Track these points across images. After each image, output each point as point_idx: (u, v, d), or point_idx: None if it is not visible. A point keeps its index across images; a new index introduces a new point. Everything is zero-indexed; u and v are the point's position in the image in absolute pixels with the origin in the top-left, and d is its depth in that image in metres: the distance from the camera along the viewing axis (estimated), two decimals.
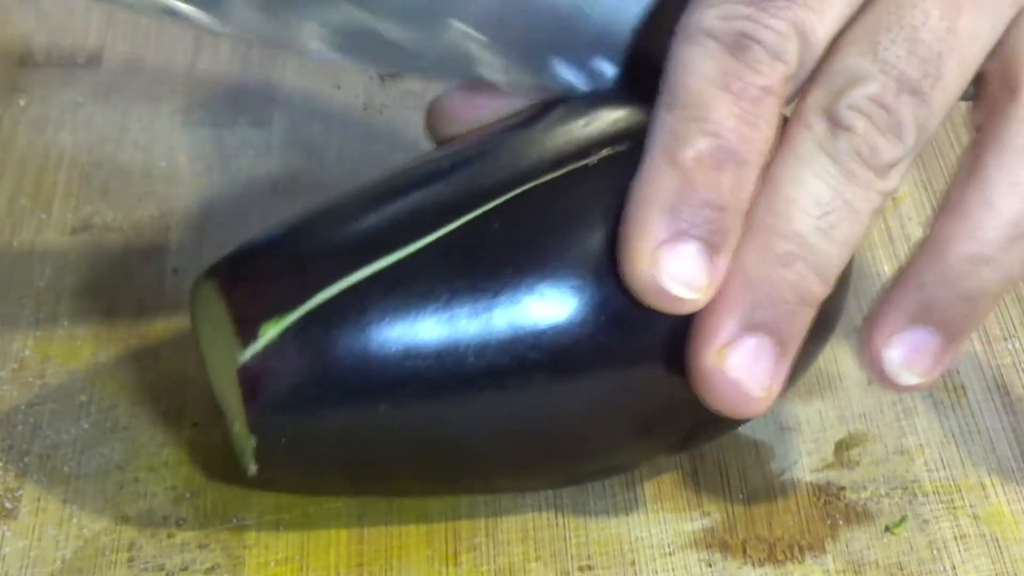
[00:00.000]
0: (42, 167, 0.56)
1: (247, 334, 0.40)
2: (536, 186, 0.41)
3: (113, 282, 0.52)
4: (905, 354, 0.41)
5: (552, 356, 0.40)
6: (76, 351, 0.50)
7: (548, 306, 0.40)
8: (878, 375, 0.42)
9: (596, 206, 0.40)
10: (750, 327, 0.39)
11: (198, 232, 0.53)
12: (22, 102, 0.59)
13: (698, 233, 0.39)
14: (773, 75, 0.39)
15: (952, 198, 0.41)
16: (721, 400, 0.40)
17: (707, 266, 0.39)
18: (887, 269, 0.53)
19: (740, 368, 0.39)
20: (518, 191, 0.40)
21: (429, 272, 0.40)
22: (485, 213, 0.40)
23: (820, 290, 0.40)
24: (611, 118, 0.42)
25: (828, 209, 0.39)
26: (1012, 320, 0.51)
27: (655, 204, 0.39)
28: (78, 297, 0.51)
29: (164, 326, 0.50)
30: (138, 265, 0.52)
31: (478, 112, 0.44)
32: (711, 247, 0.39)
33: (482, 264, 0.40)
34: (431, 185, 0.42)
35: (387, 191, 0.42)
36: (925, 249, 0.41)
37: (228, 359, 0.41)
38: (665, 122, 0.39)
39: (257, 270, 0.41)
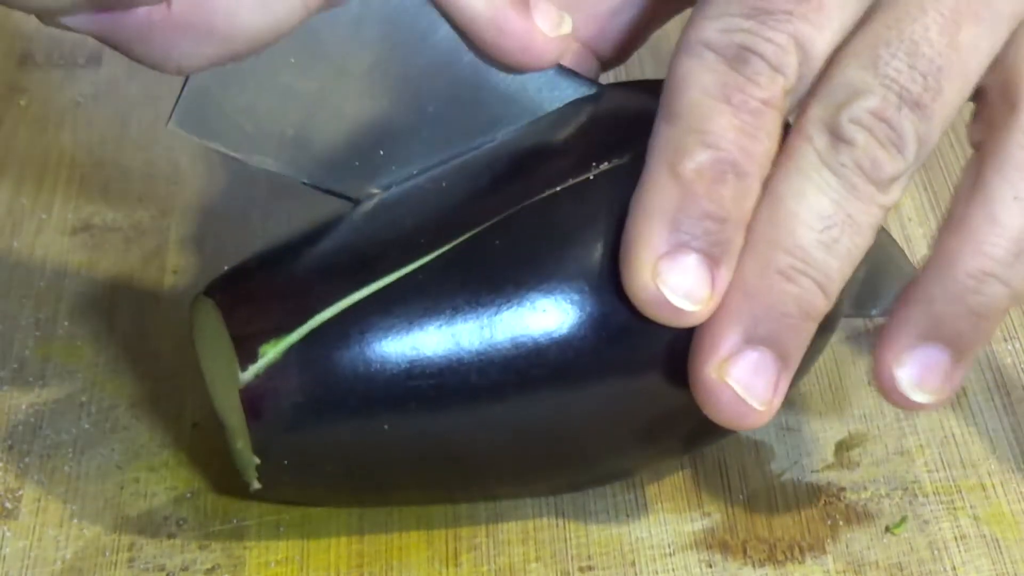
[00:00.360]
0: (42, 167, 0.56)
1: (247, 355, 0.40)
2: (536, 202, 0.40)
3: (113, 282, 0.52)
4: (916, 372, 0.41)
5: (554, 371, 0.40)
6: (76, 351, 0.49)
7: (550, 321, 0.40)
8: (890, 394, 0.41)
9: (596, 220, 0.40)
10: (752, 341, 0.39)
11: (198, 232, 0.53)
12: (22, 102, 0.59)
13: (699, 245, 0.39)
14: (773, 88, 0.39)
15: (956, 214, 0.41)
16: (722, 412, 0.40)
17: (708, 278, 0.39)
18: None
19: (741, 382, 0.39)
20: (518, 207, 0.40)
21: (431, 290, 0.40)
22: (485, 230, 0.40)
23: (823, 304, 0.40)
24: (609, 129, 0.42)
25: (830, 223, 0.39)
26: (1012, 321, 0.51)
27: (656, 216, 0.39)
28: (78, 297, 0.51)
29: (164, 326, 0.50)
30: (138, 265, 0.52)
31: None
32: (712, 259, 0.39)
33: (484, 281, 0.40)
34: (431, 202, 0.42)
35: (387, 208, 0.42)
36: (931, 266, 0.41)
37: (229, 377, 0.40)
38: (665, 134, 0.39)
39: (257, 289, 0.41)
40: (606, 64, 0.46)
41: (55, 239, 0.53)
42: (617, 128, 0.42)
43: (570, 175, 0.41)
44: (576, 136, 0.42)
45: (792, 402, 0.48)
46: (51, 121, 0.58)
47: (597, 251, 0.40)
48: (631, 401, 0.41)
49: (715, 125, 0.39)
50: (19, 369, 0.49)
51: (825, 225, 0.39)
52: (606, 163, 0.41)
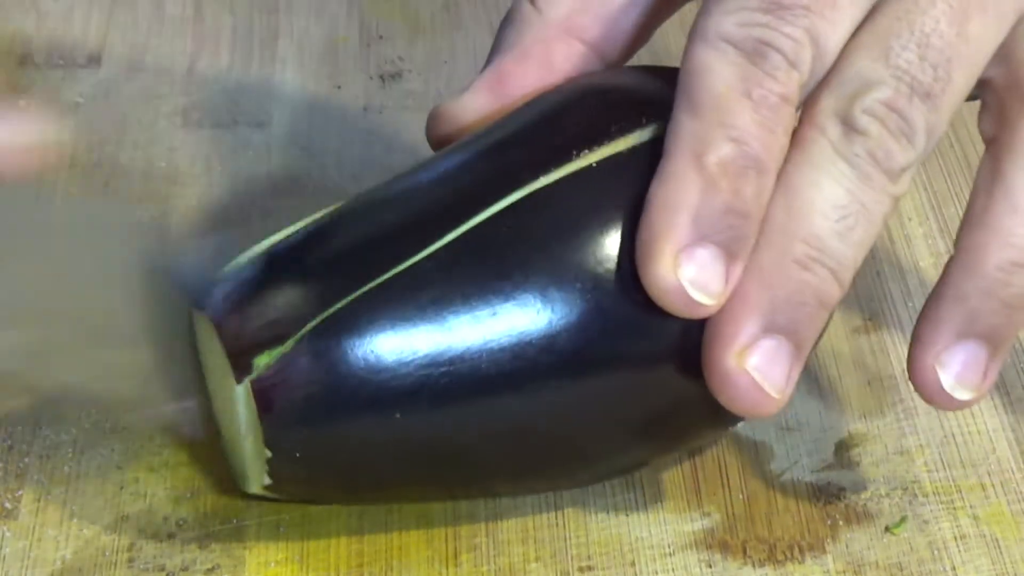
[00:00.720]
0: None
1: (242, 368, 0.40)
2: (541, 188, 0.40)
3: None
4: (957, 370, 0.41)
5: (564, 359, 0.40)
6: None
7: (559, 310, 0.40)
8: (933, 396, 0.42)
9: (602, 208, 0.40)
10: (770, 329, 0.39)
11: (198, 232, 0.53)
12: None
13: (719, 239, 0.39)
14: (790, 83, 0.39)
15: (977, 209, 0.41)
16: (738, 400, 0.40)
17: (724, 273, 0.39)
18: (887, 269, 0.53)
19: (759, 369, 0.39)
20: (523, 193, 0.40)
21: (439, 279, 0.40)
22: (492, 217, 0.40)
23: (838, 293, 0.40)
24: (610, 117, 0.42)
25: (845, 213, 0.39)
26: None
27: (679, 208, 0.39)
28: None
29: None
30: None
31: (481, 116, 0.44)
32: (729, 254, 0.39)
33: (492, 268, 0.40)
34: (436, 189, 0.41)
35: (389, 199, 0.42)
36: (959, 263, 0.41)
37: (228, 387, 0.40)
38: (688, 126, 0.39)
39: (251, 299, 0.41)
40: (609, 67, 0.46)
41: None
42: (619, 113, 0.42)
43: (573, 161, 0.41)
44: (578, 120, 0.42)
45: (792, 401, 0.48)
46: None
47: (605, 239, 0.40)
48: (639, 392, 0.41)
49: (739, 120, 0.39)
50: None
51: (841, 215, 0.39)
52: (610, 149, 0.41)
